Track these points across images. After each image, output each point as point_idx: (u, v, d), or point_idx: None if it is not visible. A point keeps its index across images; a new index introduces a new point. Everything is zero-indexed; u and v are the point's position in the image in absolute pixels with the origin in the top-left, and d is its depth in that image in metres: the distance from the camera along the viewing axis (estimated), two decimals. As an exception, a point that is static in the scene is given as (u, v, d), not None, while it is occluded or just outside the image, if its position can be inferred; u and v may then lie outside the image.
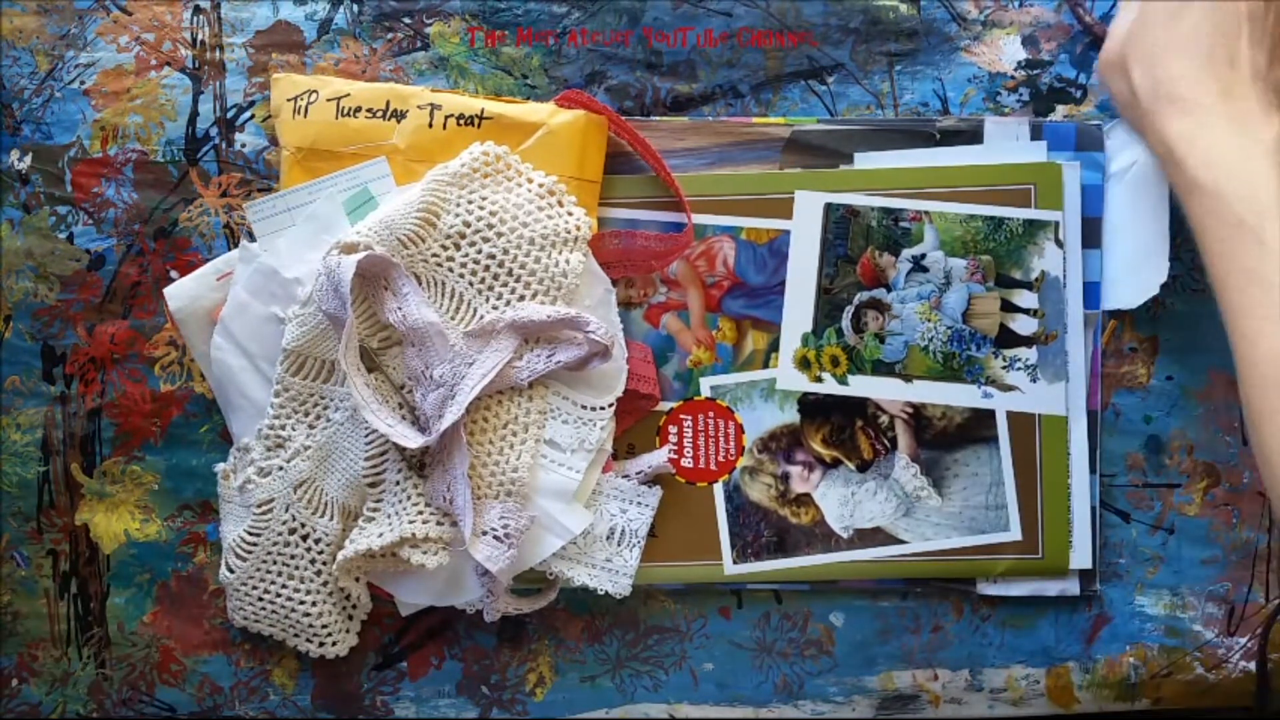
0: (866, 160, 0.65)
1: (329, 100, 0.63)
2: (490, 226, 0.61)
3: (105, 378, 0.65)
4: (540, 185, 0.62)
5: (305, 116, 0.63)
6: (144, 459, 0.65)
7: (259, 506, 0.60)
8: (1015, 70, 0.67)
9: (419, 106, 0.62)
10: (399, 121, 0.62)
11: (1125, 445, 0.66)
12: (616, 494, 0.63)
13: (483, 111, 0.62)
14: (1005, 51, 0.67)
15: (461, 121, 0.62)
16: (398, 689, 0.66)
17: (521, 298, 0.61)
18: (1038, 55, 0.67)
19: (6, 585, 0.65)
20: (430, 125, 0.62)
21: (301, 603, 0.61)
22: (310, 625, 0.62)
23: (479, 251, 0.61)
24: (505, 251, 0.60)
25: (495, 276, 0.61)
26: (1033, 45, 0.67)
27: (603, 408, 0.62)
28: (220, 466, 0.62)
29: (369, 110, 0.63)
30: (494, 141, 0.62)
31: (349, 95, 0.63)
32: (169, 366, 0.65)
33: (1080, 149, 0.65)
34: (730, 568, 0.65)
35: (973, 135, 0.65)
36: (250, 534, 0.61)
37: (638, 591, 0.65)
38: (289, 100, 0.63)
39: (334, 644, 0.63)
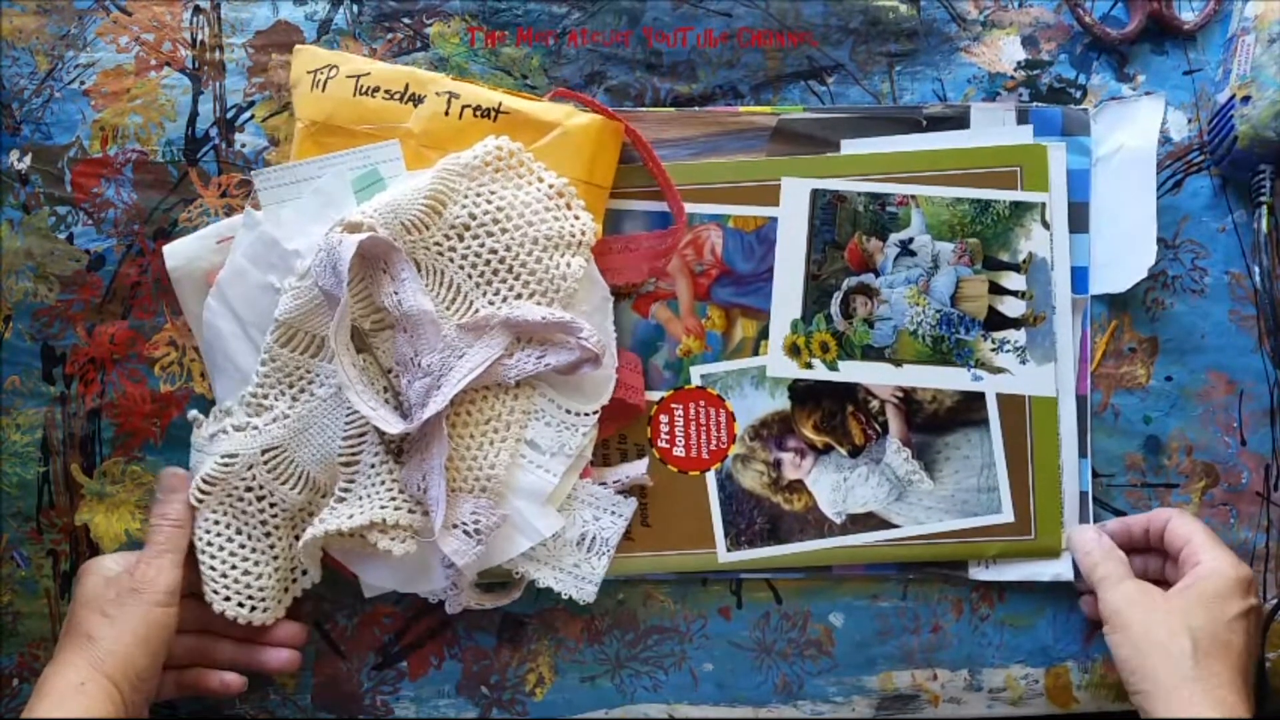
0: (853, 146, 0.65)
1: (348, 77, 0.63)
2: (495, 221, 0.60)
3: (105, 378, 0.65)
4: (550, 186, 0.61)
5: (323, 91, 0.63)
6: (144, 459, 0.65)
7: (222, 456, 0.60)
8: (1015, 70, 0.67)
9: (437, 93, 0.62)
10: (416, 106, 0.62)
11: (1124, 445, 0.66)
12: (591, 501, 0.63)
13: (500, 105, 0.62)
14: (1005, 52, 0.67)
15: (478, 113, 0.62)
16: (398, 689, 0.66)
17: (519, 296, 0.61)
18: (1037, 55, 0.67)
19: (7, 585, 0.65)
20: (446, 113, 0.62)
21: (245, 560, 0.61)
22: (247, 587, 0.61)
23: (481, 245, 0.60)
24: (508, 248, 0.60)
25: (495, 272, 0.61)
26: (1032, 45, 0.67)
27: (587, 414, 0.62)
28: (194, 413, 0.62)
29: (387, 91, 0.62)
30: (508, 136, 0.61)
31: (369, 74, 0.63)
32: (169, 367, 0.65)
33: (1066, 133, 0.66)
34: (724, 556, 0.65)
35: (959, 122, 0.66)
36: (206, 481, 0.60)
37: (637, 592, 0.66)
38: (309, 73, 0.63)
39: (264, 611, 0.61)
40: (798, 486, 0.65)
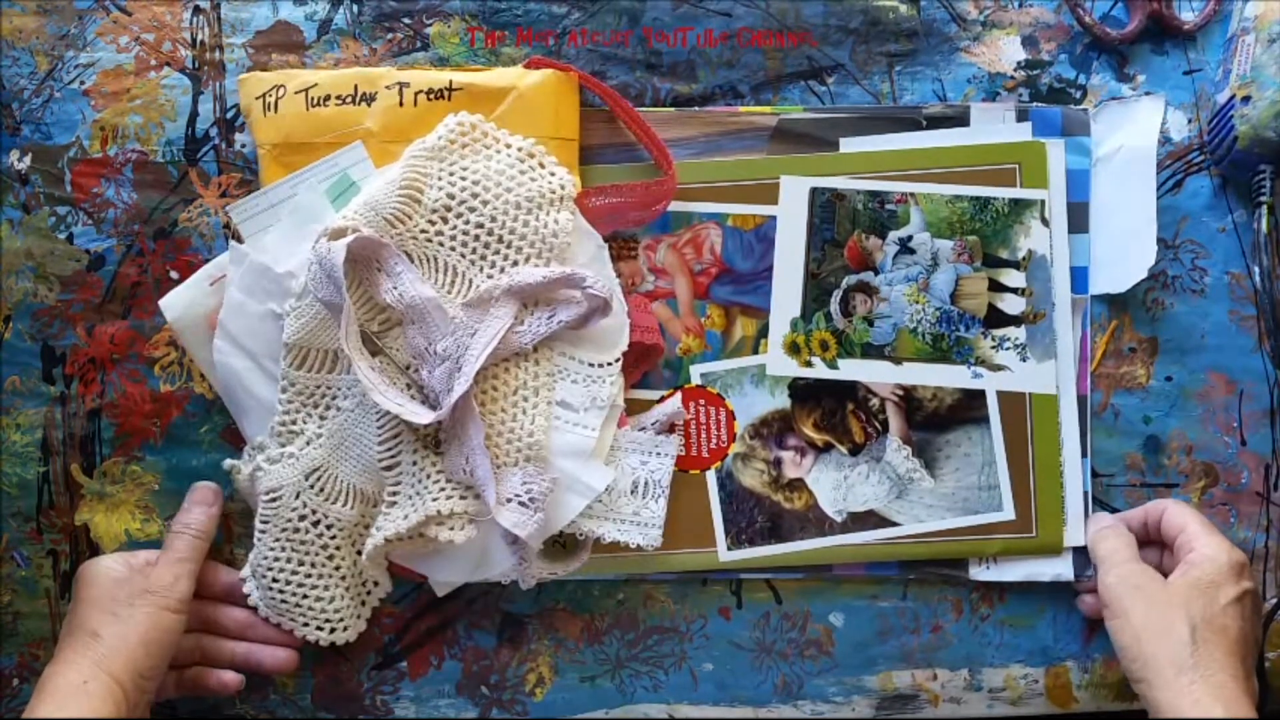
0: (851, 145, 0.65)
1: (297, 92, 0.62)
2: (475, 196, 0.60)
3: (105, 378, 0.65)
4: (519, 149, 0.61)
5: (275, 112, 0.62)
6: (144, 459, 0.65)
7: (267, 494, 0.60)
8: (1015, 70, 0.67)
9: (387, 87, 0.62)
10: (369, 105, 0.62)
11: (1124, 445, 0.66)
12: (635, 447, 0.63)
13: (451, 83, 0.62)
14: (1005, 52, 0.67)
15: (431, 96, 0.62)
16: (398, 689, 0.66)
17: (515, 263, 0.61)
18: (1037, 55, 0.67)
19: (7, 585, 0.65)
20: (401, 104, 0.62)
21: (314, 588, 0.61)
22: (322, 612, 0.62)
23: (466, 222, 0.60)
24: (493, 219, 0.60)
25: (486, 245, 0.61)
26: (1032, 45, 0.67)
27: (609, 363, 0.62)
28: (229, 462, 0.62)
29: (338, 97, 0.62)
30: (466, 111, 0.62)
31: (316, 85, 0.62)
32: (169, 367, 0.65)
33: (1066, 134, 0.66)
34: (725, 554, 0.65)
35: (959, 121, 0.66)
36: (260, 521, 0.61)
37: (637, 592, 0.66)
38: (257, 98, 0.63)
39: (345, 630, 0.63)
40: (798, 485, 0.65)
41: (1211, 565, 0.58)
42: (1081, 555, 0.65)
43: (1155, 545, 0.64)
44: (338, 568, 0.62)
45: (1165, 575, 0.61)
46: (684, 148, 0.65)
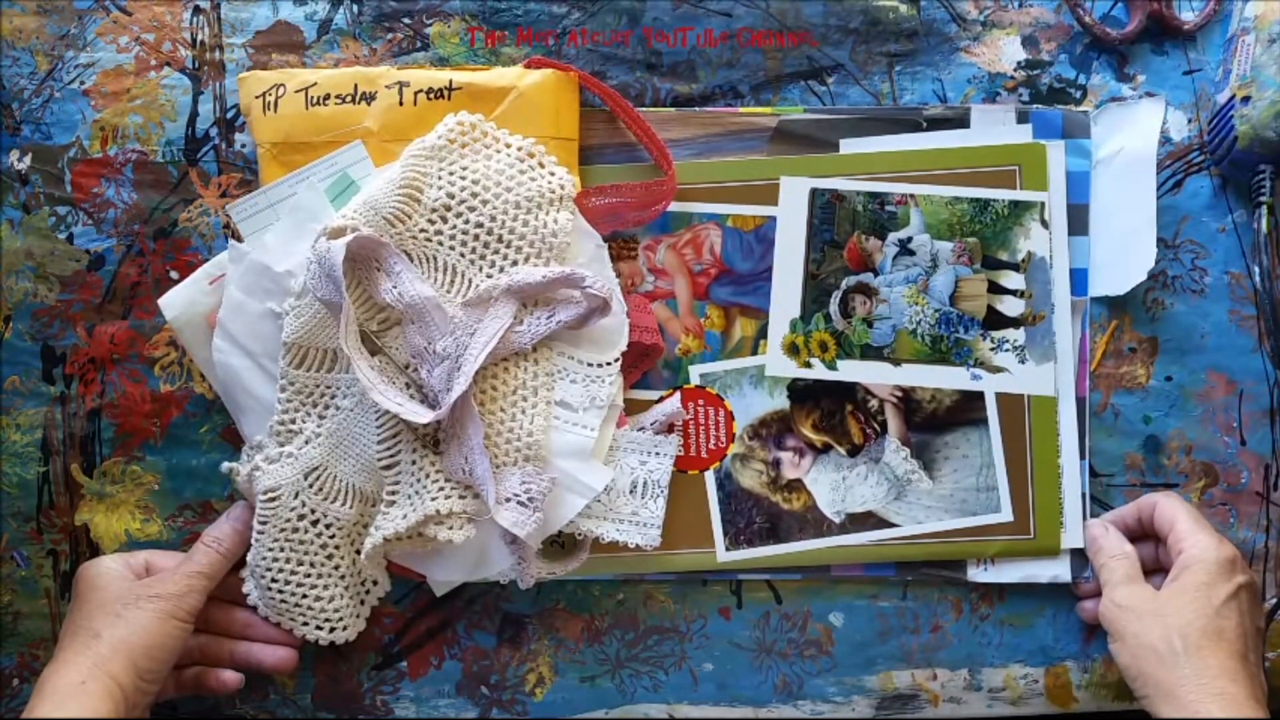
0: (851, 146, 0.65)
1: (297, 92, 0.62)
2: (474, 195, 0.60)
3: (105, 378, 0.65)
4: (518, 149, 0.61)
5: (275, 111, 0.62)
6: (144, 459, 0.65)
7: (265, 494, 0.60)
8: (1015, 70, 0.67)
9: (387, 86, 0.62)
10: (369, 104, 0.62)
11: (1124, 445, 0.66)
12: (634, 447, 0.63)
13: (451, 83, 0.62)
14: (1005, 52, 0.67)
15: (431, 95, 0.62)
16: (398, 689, 0.66)
17: (514, 263, 0.61)
18: (1037, 55, 0.67)
19: (7, 585, 0.65)
20: (400, 103, 0.62)
21: (314, 588, 0.61)
22: (321, 611, 0.62)
23: (466, 222, 0.60)
24: (492, 219, 0.60)
25: (485, 245, 0.61)
26: (1032, 45, 0.67)
27: (609, 363, 0.62)
28: (227, 465, 0.62)
29: (338, 96, 0.62)
30: (466, 111, 0.62)
31: (316, 84, 0.62)
32: (169, 367, 0.65)
33: (1067, 135, 0.66)
34: (723, 555, 0.65)
35: (959, 123, 0.66)
36: (259, 521, 0.61)
37: (637, 592, 0.66)
38: (257, 97, 0.63)
39: (344, 629, 0.63)
40: (797, 486, 0.65)
41: (1201, 566, 0.58)
42: (1079, 557, 0.65)
43: (1151, 540, 0.64)
44: (337, 567, 0.62)
45: (1164, 569, 0.61)
46: (684, 148, 0.65)
